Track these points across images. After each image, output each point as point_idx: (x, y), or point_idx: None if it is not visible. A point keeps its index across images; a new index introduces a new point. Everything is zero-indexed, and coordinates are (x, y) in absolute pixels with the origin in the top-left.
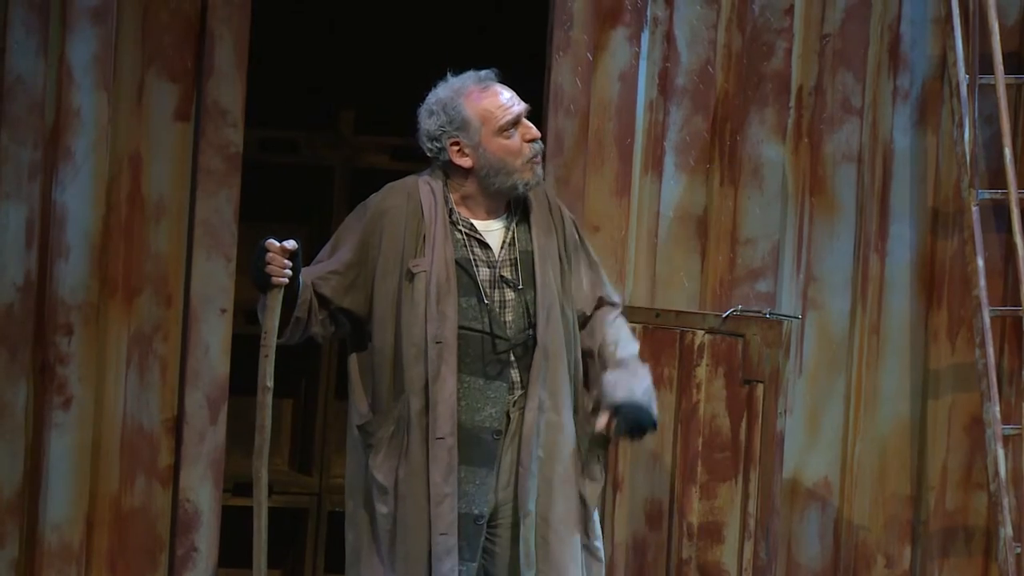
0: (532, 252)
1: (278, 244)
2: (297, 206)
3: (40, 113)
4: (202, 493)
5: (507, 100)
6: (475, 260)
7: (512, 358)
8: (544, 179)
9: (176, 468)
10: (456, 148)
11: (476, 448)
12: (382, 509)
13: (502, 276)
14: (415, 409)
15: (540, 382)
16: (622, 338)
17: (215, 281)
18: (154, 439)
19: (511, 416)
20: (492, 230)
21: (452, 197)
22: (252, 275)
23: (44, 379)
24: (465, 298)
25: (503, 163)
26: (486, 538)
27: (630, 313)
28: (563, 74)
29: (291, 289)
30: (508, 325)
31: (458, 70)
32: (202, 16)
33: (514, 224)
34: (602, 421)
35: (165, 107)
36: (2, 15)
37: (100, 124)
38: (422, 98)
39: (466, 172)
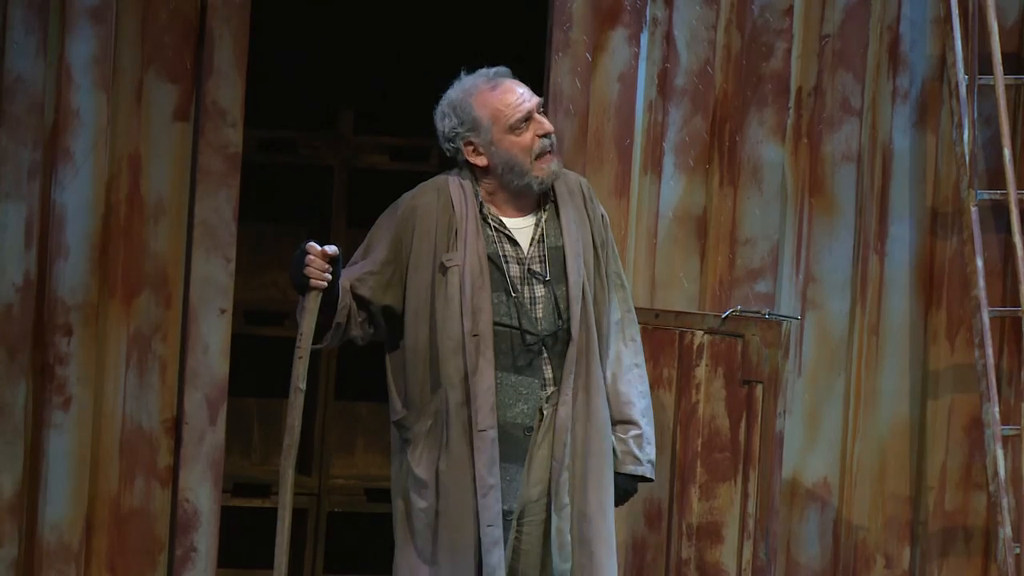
0: (563, 247)
1: (319, 248)
2: (296, 206)
3: (39, 113)
4: (201, 493)
5: (517, 97)
6: (505, 256)
7: (544, 354)
8: (560, 174)
9: (175, 468)
10: (470, 148)
11: (508, 444)
12: (420, 503)
13: (531, 271)
14: (454, 402)
15: (572, 376)
16: (633, 396)
17: (214, 281)
18: (153, 439)
19: (544, 412)
20: (521, 227)
21: (481, 193)
22: (292, 277)
23: (43, 379)
24: (495, 293)
25: (516, 161)
26: (515, 536)
27: None
28: (562, 75)
29: (330, 293)
30: (538, 321)
31: (457, 71)
32: (201, 16)
33: (543, 220)
34: None
35: (164, 107)
36: (1, 15)
37: (99, 124)
38: (421, 98)
39: (485, 170)
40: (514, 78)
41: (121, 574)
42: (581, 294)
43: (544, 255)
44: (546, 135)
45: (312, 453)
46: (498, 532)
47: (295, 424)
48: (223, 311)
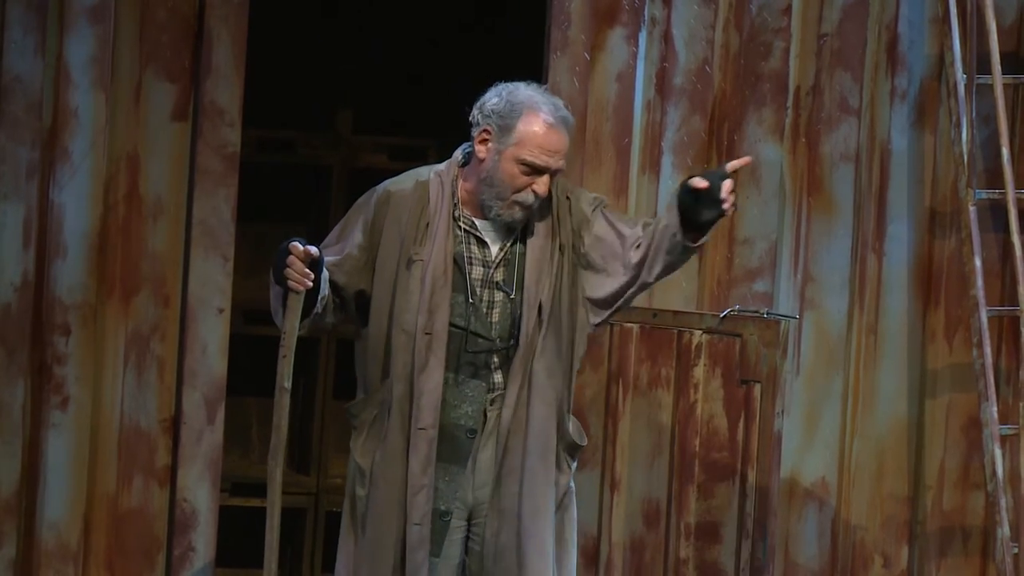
0: (525, 254)
1: (302, 248)
2: (295, 206)
3: (38, 113)
4: (199, 493)
5: (553, 148)
6: (471, 258)
7: (494, 359)
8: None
9: (173, 468)
10: (485, 135)
11: (451, 445)
12: (359, 491)
13: (495, 277)
14: (397, 395)
15: (519, 381)
16: None
17: (213, 281)
18: (151, 439)
19: (488, 415)
20: (492, 230)
21: (460, 191)
22: (273, 272)
23: (42, 379)
24: (455, 294)
25: (500, 184)
26: (468, 537)
27: (627, 313)
28: (560, 74)
29: (311, 290)
30: (493, 326)
31: (456, 70)
32: (200, 16)
33: (518, 228)
34: (700, 182)
35: (163, 107)
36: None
37: (98, 124)
38: (420, 98)
39: (477, 163)
40: (570, 135)
41: (119, 574)
42: (538, 304)
43: (510, 260)
44: (537, 195)
45: (310, 452)
46: (425, 531)
47: (281, 424)
48: (221, 311)
